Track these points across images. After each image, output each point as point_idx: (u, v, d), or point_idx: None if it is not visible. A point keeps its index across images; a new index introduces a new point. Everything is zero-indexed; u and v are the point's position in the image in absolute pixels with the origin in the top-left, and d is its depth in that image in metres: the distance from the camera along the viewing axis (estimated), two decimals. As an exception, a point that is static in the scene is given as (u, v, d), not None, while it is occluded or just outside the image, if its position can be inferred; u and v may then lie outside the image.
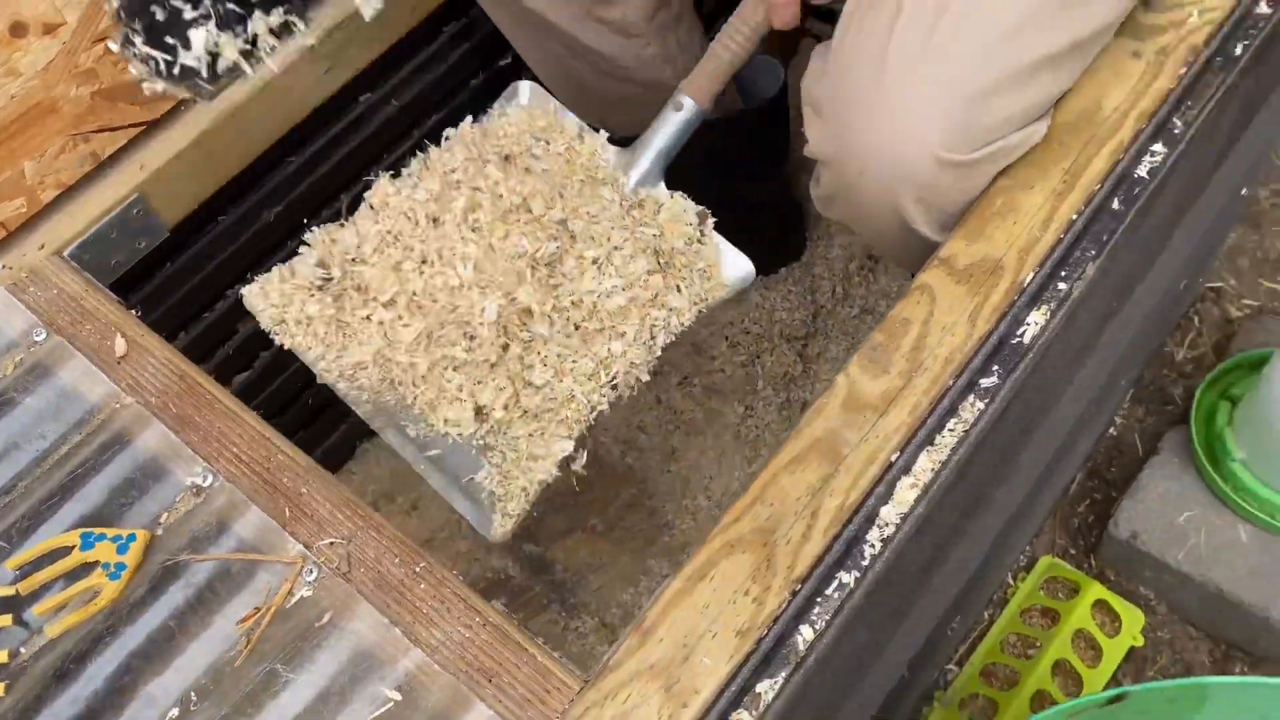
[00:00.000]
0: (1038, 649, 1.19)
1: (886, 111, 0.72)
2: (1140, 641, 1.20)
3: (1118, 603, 1.21)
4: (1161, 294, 1.01)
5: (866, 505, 0.61)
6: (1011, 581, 1.26)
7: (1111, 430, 1.36)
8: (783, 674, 0.57)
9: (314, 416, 1.24)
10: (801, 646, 0.58)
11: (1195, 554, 1.18)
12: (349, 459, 1.33)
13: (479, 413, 0.75)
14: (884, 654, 0.73)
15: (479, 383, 0.75)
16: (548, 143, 0.86)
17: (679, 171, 1.19)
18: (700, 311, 0.81)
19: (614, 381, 0.79)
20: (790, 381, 1.34)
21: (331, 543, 0.64)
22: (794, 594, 0.59)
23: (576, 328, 0.78)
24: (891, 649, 0.75)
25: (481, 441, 0.76)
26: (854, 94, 0.74)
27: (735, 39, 0.84)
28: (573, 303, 0.77)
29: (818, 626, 0.58)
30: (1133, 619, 1.20)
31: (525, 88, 0.91)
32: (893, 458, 0.63)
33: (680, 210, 0.84)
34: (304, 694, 0.59)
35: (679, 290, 0.80)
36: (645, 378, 0.81)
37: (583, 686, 0.57)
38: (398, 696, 0.58)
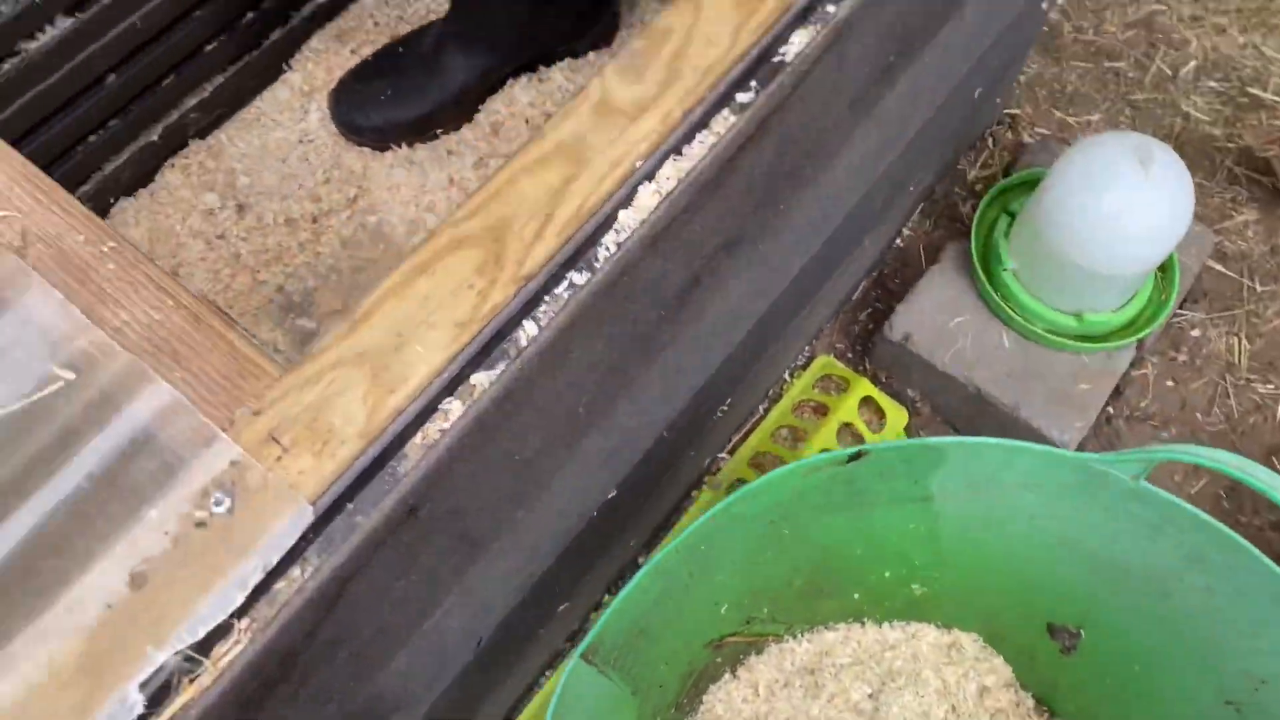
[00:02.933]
0: (805, 441, 1.23)
1: None
2: (903, 438, 1.25)
3: (884, 400, 1.25)
4: (954, 81, 1.00)
5: (605, 208, 0.58)
6: (789, 379, 1.29)
7: (899, 242, 1.39)
8: (501, 364, 0.55)
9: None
10: (524, 341, 0.55)
11: (961, 356, 1.23)
12: (103, 218, 1.21)
13: None
14: (634, 384, 0.72)
15: None
16: None
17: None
18: None
19: None
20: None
21: (4, 215, 0.56)
22: (519, 290, 0.56)
23: None
24: (645, 384, 0.74)
25: None
26: None
27: None
28: None
29: (541, 323, 0.56)
30: (897, 416, 1.25)
31: None
32: (637, 164, 0.59)
33: None
34: (-41, 369, 0.52)
35: None
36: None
37: (283, 374, 0.53)
38: (70, 375, 0.52)
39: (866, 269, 1.33)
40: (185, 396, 0.52)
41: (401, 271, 0.56)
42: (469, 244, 0.57)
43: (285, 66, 1.31)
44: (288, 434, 0.52)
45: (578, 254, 0.57)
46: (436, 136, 1.31)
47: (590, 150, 0.60)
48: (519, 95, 1.32)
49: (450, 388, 0.54)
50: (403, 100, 1.27)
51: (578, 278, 0.57)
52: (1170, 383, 1.31)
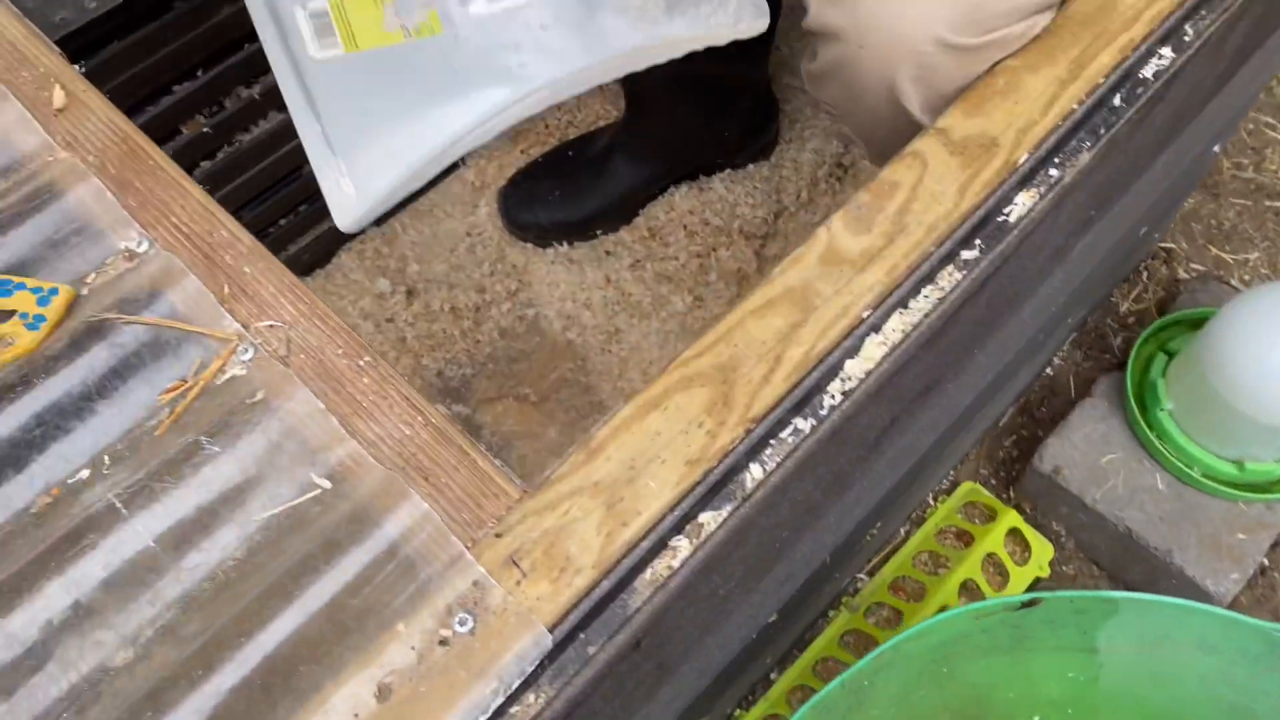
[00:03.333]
0: (948, 568, 1.22)
1: None
2: (1046, 573, 1.23)
3: (1030, 533, 1.23)
4: (1129, 225, 1.01)
5: (831, 357, 0.60)
6: (932, 502, 1.28)
7: (1048, 370, 1.37)
8: (727, 507, 0.56)
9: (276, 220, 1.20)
10: (749, 484, 0.57)
11: (1112, 495, 1.20)
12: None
13: None
14: (822, 519, 0.73)
15: None
16: None
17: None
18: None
19: None
20: (743, 278, 1.32)
21: (272, 325, 0.60)
22: (748, 432, 0.57)
23: None
24: (830, 519, 0.74)
25: None
26: None
27: None
28: None
29: (768, 467, 0.57)
30: (1043, 550, 1.23)
31: None
32: (864, 314, 0.61)
33: None
34: (227, 470, 0.55)
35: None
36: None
37: (522, 495, 0.55)
38: (327, 484, 0.55)
39: (1015, 396, 1.32)
40: (435, 513, 0.54)
41: (635, 404, 0.59)
42: (699, 382, 0.59)
43: (461, 163, 1.37)
44: (527, 558, 0.54)
45: (804, 400, 0.59)
46: (596, 236, 1.35)
47: (817, 297, 0.62)
48: (679, 202, 1.36)
49: (679, 525, 0.55)
50: (568, 202, 1.32)
51: (802, 424, 0.59)
52: (1331, 538, 1.26)
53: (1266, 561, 1.25)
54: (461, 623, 0.51)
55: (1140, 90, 0.70)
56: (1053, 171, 0.67)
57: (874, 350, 0.61)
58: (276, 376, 0.58)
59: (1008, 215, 0.65)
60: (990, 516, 1.25)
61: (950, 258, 0.64)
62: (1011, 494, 1.29)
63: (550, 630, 0.52)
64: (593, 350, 1.28)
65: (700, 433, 0.57)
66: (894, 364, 0.61)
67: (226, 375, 0.59)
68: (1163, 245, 1.47)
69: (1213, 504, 1.19)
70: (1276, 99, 1.61)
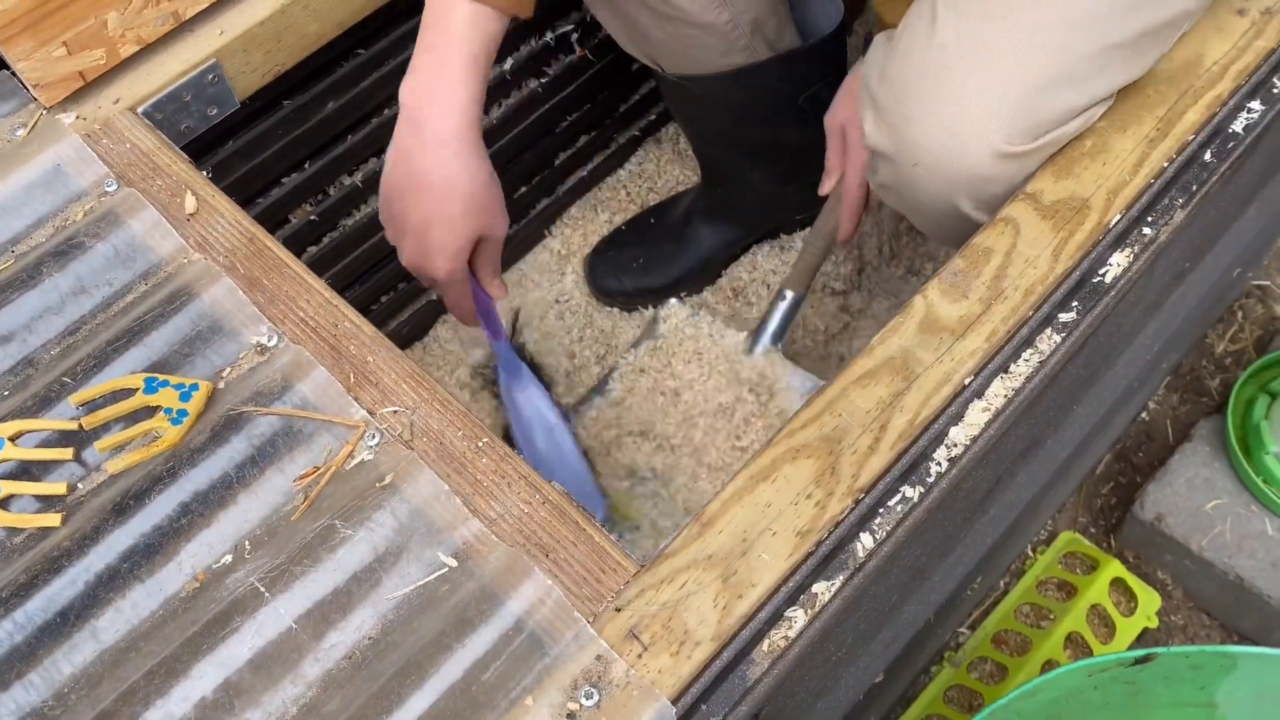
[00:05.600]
0: (1051, 620, 1.20)
1: (947, 106, 0.71)
2: (1154, 623, 1.20)
3: (1135, 583, 1.21)
4: (1222, 270, 1.00)
5: (936, 424, 0.61)
6: (1031, 553, 1.26)
7: (1144, 415, 1.35)
8: (840, 577, 0.57)
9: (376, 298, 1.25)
10: (861, 553, 0.58)
11: (1219, 541, 1.18)
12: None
13: None
14: (928, 582, 0.73)
15: None
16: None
17: (734, 114, 1.19)
18: None
19: None
20: (830, 336, 1.33)
21: (395, 410, 0.64)
22: (857, 502, 0.59)
23: None
24: (935, 580, 0.75)
25: None
26: (913, 87, 0.73)
27: (815, 243, 1.12)
28: None
29: (878, 536, 0.58)
30: (1149, 600, 1.20)
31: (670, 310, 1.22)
32: (966, 381, 0.62)
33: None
34: (360, 551, 0.59)
35: None
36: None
37: (639, 570, 0.57)
38: (453, 563, 0.58)
39: (1111, 443, 1.30)
40: (557, 588, 0.57)
41: (744, 477, 0.60)
42: (805, 453, 0.61)
43: (547, 232, 1.41)
44: (646, 632, 0.55)
45: (911, 468, 0.60)
46: (681, 299, 1.38)
47: (917, 365, 0.63)
48: (761, 261, 1.38)
49: (793, 596, 0.57)
50: (653, 267, 1.35)
51: (910, 491, 0.60)
52: None
53: (1388, 607, 1.20)
54: (588, 696, 0.53)
55: (1231, 145, 0.70)
56: (1146, 230, 0.67)
57: (978, 416, 0.62)
58: (402, 460, 0.62)
59: (1103, 276, 0.66)
60: (1092, 567, 1.22)
61: (1049, 321, 0.64)
62: (1113, 543, 1.26)
63: (673, 703, 0.53)
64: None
65: (809, 504, 0.59)
66: (1000, 428, 0.62)
67: (355, 460, 0.62)
68: (1257, 284, 1.44)
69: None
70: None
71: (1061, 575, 1.23)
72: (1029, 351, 0.63)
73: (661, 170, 1.47)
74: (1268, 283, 1.44)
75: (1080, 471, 1.23)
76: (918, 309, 0.65)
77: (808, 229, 1.40)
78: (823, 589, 0.57)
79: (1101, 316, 0.65)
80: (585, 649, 0.55)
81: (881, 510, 0.59)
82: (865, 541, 0.58)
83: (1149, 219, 0.68)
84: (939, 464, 0.60)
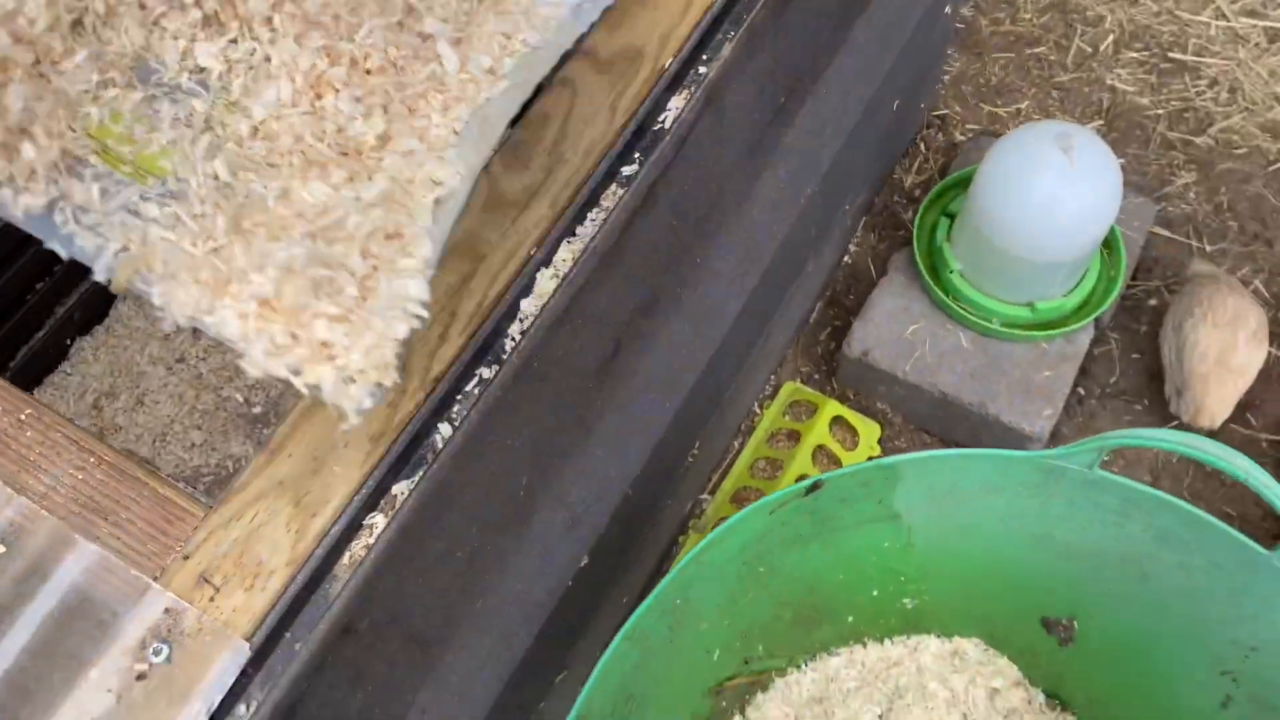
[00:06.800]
0: (783, 470, 1.24)
1: None
2: (877, 451, 1.26)
3: (855, 417, 1.26)
4: (862, 105, 1.02)
5: (505, 300, 0.60)
6: (758, 411, 1.29)
7: (847, 259, 1.40)
8: (420, 473, 0.56)
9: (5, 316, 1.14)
10: (440, 443, 0.56)
11: (922, 364, 1.23)
12: (62, 360, 1.23)
13: None
14: (579, 459, 0.73)
15: None
16: None
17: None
18: None
19: None
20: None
21: (-77, 399, 0.58)
22: (429, 395, 0.57)
23: None
24: (593, 453, 0.74)
25: None
26: None
27: None
28: None
29: (456, 423, 0.57)
30: (869, 431, 1.26)
31: None
32: (531, 252, 0.61)
33: None
34: (-108, 559, 0.53)
35: None
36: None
37: (208, 512, 0.54)
38: (1, 549, 0.53)
39: (818, 291, 1.34)
40: (113, 552, 0.53)
41: (297, 410, 0.57)
42: (376, 356, 0.58)
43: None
44: (218, 573, 0.53)
45: (484, 349, 0.59)
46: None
47: (484, 245, 0.61)
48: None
49: (372, 502, 0.55)
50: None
51: (486, 372, 0.58)
52: (1136, 355, 1.31)
53: (1083, 392, 1.30)
54: (156, 653, 0.50)
55: (775, -29, 0.70)
56: (700, 69, 0.67)
57: (547, 284, 0.60)
58: (-66, 451, 0.56)
59: (662, 122, 0.65)
60: (814, 411, 1.27)
61: (611, 176, 0.64)
62: (834, 385, 1.31)
63: (249, 639, 0.51)
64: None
65: (383, 408, 0.57)
66: (569, 291, 0.61)
67: (-117, 462, 0.56)
68: (935, 114, 1.50)
69: (1015, 350, 1.23)
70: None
71: (789, 425, 1.27)
72: (594, 211, 0.62)
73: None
74: (946, 111, 1.50)
75: (789, 324, 1.26)
76: (481, 190, 0.63)
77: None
78: (402, 488, 0.55)
79: (664, 162, 0.65)
80: (151, 605, 0.52)
81: (459, 397, 0.58)
82: (444, 431, 0.57)
83: (704, 57, 0.67)
84: (511, 338, 0.59)
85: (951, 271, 1.24)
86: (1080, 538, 0.89)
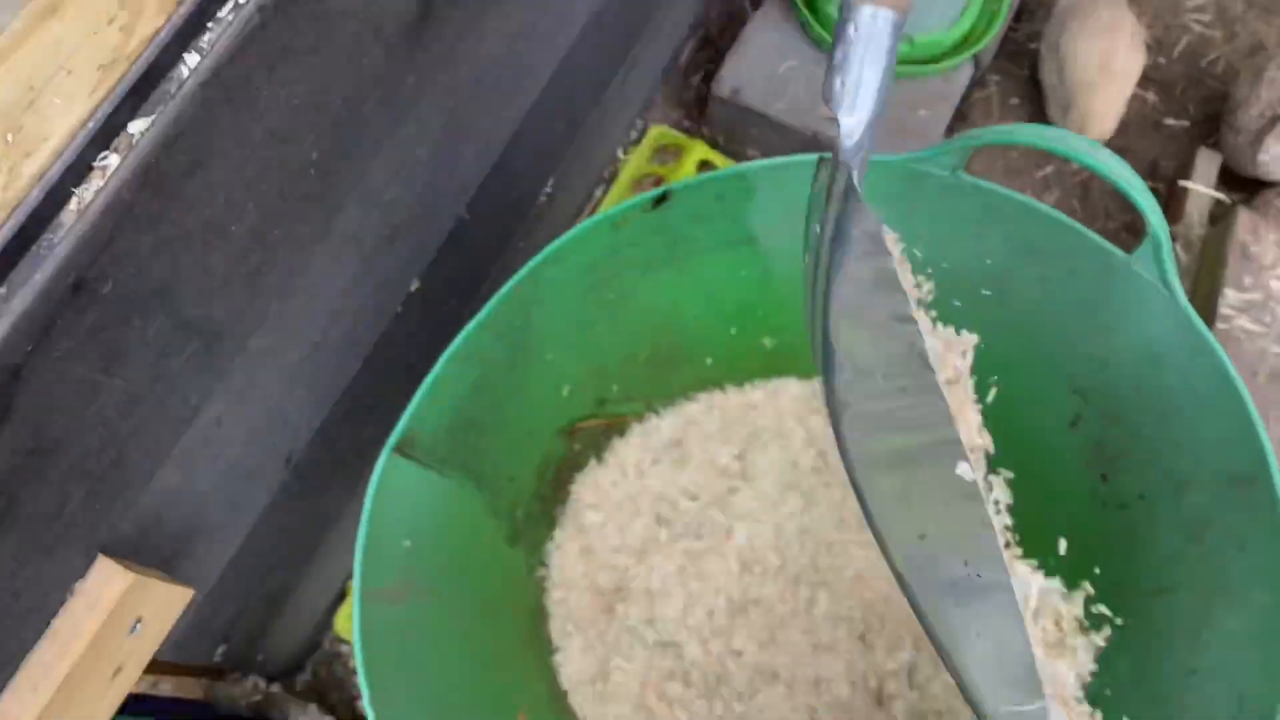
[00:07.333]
0: (648, 217, 1.17)
1: None
2: (746, 198, 1.19)
3: (722, 160, 1.19)
4: None
5: (267, -92, 0.49)
6: (623, 156, 1.21)
7: (721, -6, 1.30)
8: (160, 107, 0.46)
9: None
10: (185, 74, 0.47)
11: (795, 103, 1.16)
12: None
13: None
14: (386, 146, 0.64)
15: None
16: None
17: None
18: None
19: None
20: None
21: None
22: (171, 15, 0.47)
23: None
24: (399, 148, 0.66)
25: None
26: None
27: None
28: None
29: (205, 52, 0.47)
30: (738, 176, 1.19)
31: None
32: None
33: None
34: None
35: None
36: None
37: (-106, 152, 0.44)
38: None
39: (688, 28, 1.24)
40: None
41: (25, 17, 0.47)
42: (105, -27, 0.48)
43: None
44: (-92, 219, 0.43)
45: (239, -34, 0.48)
46: None
47: None
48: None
49: (104, 140, 0.46)
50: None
51: (245, -5, 0.48)
52: (1015, 100, 1.27)
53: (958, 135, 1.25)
54: None
55: None
56: None
57: (317, -107, 0.50)
58: None
59: None
60: (681, 154, 1.19)
61: None
62: (705, 130, 1.23)
63: (-50, 292, 0.42)
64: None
65: (113, 30, 0.47)
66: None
67: None
68: None
69: (893, 88, 1.16)
70: None
71: (655, 170, 1.20)
72: None
73: None
74: None
75: (654, 62, 1.17)
76: None
77: None
78: (140, 126, 0.46)
79: None
80: None
81: (210, 23, 0.48)
82: (190, 61, 0.47)
83: None
84: (274, -44, 0.49)
85: (831, 3, 1.15)
86: (942, 254, 0.84)
